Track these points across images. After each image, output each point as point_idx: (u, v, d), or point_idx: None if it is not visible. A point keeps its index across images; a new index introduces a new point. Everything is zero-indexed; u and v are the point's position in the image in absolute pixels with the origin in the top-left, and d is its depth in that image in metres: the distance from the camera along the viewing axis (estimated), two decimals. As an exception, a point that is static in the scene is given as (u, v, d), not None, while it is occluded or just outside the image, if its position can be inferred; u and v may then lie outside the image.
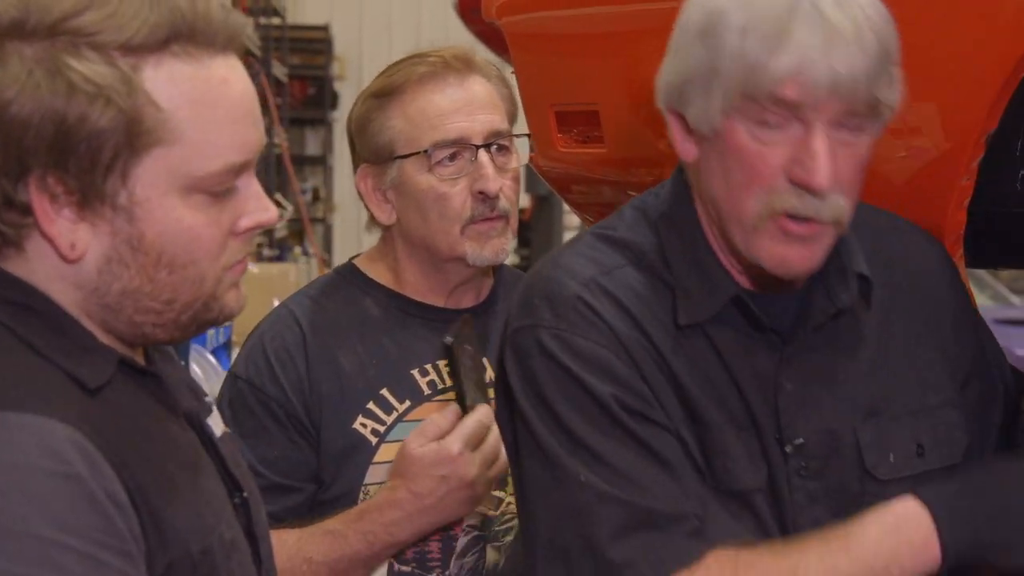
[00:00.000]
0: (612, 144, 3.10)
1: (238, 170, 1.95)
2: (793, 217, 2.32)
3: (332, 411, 3.06)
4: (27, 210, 1.86)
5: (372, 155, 3.22)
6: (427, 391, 2.99)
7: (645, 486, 2.35)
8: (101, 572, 1.76)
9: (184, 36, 1.88)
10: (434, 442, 2.80)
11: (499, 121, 3.08)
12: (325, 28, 16.78)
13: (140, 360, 2.03)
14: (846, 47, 2.26)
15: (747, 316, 2.46)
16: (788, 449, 2.43)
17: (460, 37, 3.95)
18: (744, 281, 2.47)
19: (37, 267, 1.92)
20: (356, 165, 3.29)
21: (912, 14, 2.52)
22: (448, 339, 2.83)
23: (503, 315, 2.78)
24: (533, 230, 12.26)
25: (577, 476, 2.38)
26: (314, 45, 16.33)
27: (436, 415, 2.91)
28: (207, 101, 1.91)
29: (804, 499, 2.44)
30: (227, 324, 2.15)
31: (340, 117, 17.46)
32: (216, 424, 2.17)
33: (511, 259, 12.62)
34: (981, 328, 2.70)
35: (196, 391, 2.18)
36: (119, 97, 1.82)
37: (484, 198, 2.99)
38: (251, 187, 1.98)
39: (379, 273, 3.20)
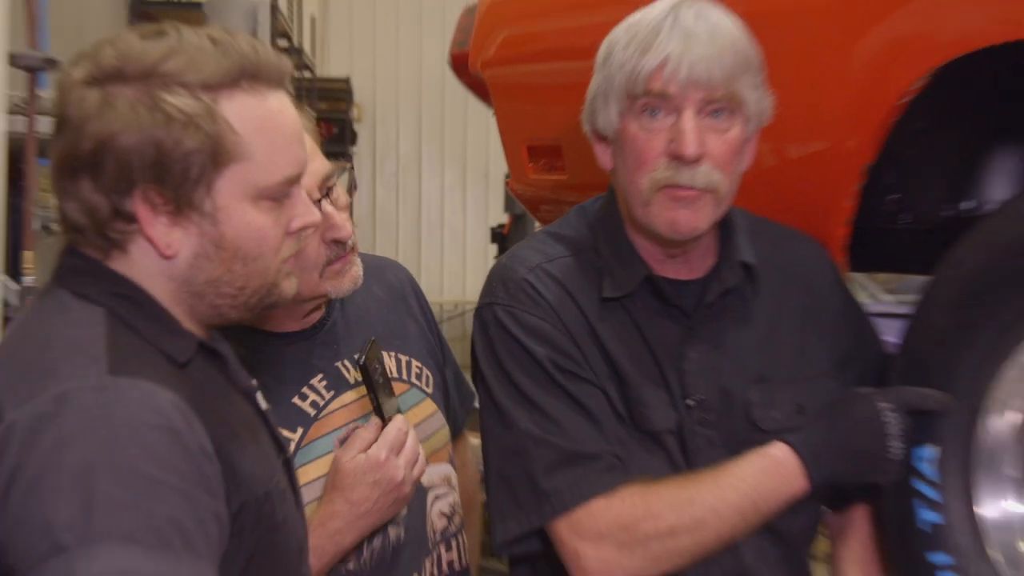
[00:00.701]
0: (571, 172, 3.16)
1: (293, 181, 2.03)
2: (675, 186, 2.43)
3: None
4: (132, 219, 1.92)
5: None
6: (312, 412, 2.80)
7: (572, 432, 2.48)
8: (192, 504, 1.80)
9: (250, 75, 1.96)
10: (362, 453, 2.67)
11: (326, 164, 2.78)
12: (346, 80, 16.67)
13: (210, 343, 2.10)
14: (701, 47, 2.39)
15: (657, 294, 2.57)
16: (690, 403, 2.55)
17: (454, 88, 3.95)
18: (657, 268, 2.57)
19: (138, 265, 1.98)
20: None
21: (809, 78, 2.61)
22: (360, 360, 2.69)
23: (352, 309, 2.89)
24: (510, 241, 12.21)
25: (519, 423, 2.51)
26: (337, 94, 16.19)
27: (360, 429, 2.74)
28: (269, 127, 1.98)
29: (704, 443, 2.56)
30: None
31: (358, 151, 17.39)
32: (262, 401, 2.22)
33: (491, 262, 12.51)
34: (862, 319, 2.77)
35: (244, 373, 2.22)
36: (205, 124, 1.90)
37: (338, 242, 2.76)
38: (300, 195, 2.07)
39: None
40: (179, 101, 1.89)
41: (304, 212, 2.07)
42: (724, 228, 2.60)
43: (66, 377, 1.82)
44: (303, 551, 2.16)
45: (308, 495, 2.67)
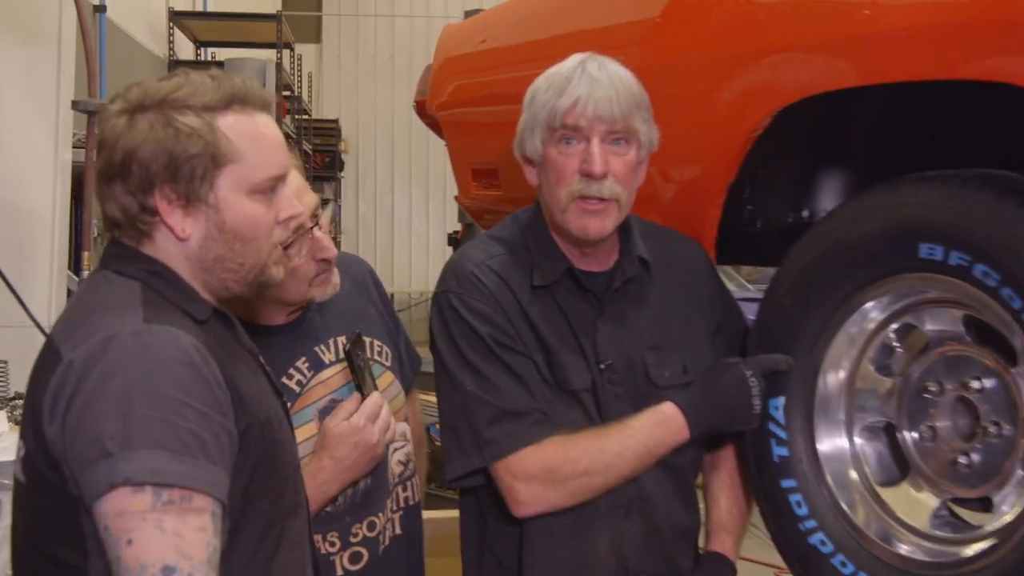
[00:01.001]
0: (506, 189, 3.16)
1: (279, 179, 2.09)
2: (585, 198, 2.47)
3: None
4: (154, 212, 2.00)
5: None
6: (297, 389, 2.77)
7: (507, 394, 2.52)
8: (208, 421, 1.86)
9: (240, 100, 2.04)
10: (345, 421, 2.67)
11: (315, 198, 2.75)
12: (336, 121, 16.56)
13: (224, 310, 2.15)
14: (603, 90, 2.45)
15: (575, 282, 2.60)
16: (602, 367, 2.58)
17: (419, 127, 3.94)
18: (575, 262, 2.60)
19: (162, 249, 2.03)
20: None
21: (688, 118, 2.61)
22: (346, 347, 2.68)
23: (325, 302, 2.84)
24: (463, 244, 12.17)
25: (465, 386, 2.56)
26: (329, 132, 16.07)
27: (345, 401, 2.73)
28: (256, 136, 2.04)
29: (613, 398, 2.58)
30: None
31: (345, 175, 17.30)
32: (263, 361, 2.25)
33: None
34: (729, 301, 2.79)
35: (248, 340, 2.25)
36: (206, 134, 1.98)
37: (325, 260, 2.73)
38: (286, 192, 2.13)
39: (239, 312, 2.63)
40: (185, 119, 1.97)
41: (289, 205, 2.12)
42: (624, 231, 2.62)
43: (110, 326, 1.89)
44: (297, 469, 2.19)
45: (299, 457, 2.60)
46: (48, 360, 1.92)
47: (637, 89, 2.50)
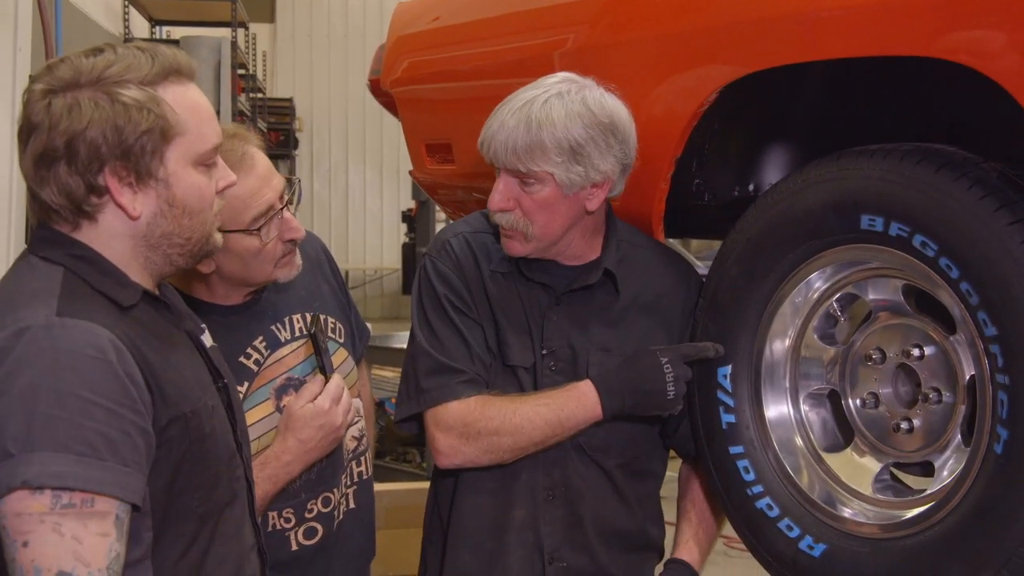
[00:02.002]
0: (459, 163, 3.15)
1: (217, 149, 2.04)
2: (503, 226, 2.58)
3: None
4: (103, 192, 1.91)
5: None
6: (255, 368, 2.73)
7: (450, 351, 2.62)
8: (117, 420, 1.79)
9: (174, 72, 1.96)
10: (310, 403, 2.66)
11: (282, 180, 2.69)
12: (290, 100, 16.47)
13: (156, 293, 2.06)
14: (503, 135, 2.49)
15: (524, 273, 2.66)
16: (544, 351, 2.64)
17: (372, 105, 3.91)
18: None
19: (105, 230, 1.95)
20: None
21: (630, 92, 2.58)
22: (311, 330, 2.68)
23: (286, 284, 2.83)
24: (418, 222, 12.15)
25: (417, 337, 2.67)
26: (283, 110, 15.96)
27: (308, 384, 2.72)
28: (195, 108, 1.99)
29: (549, 381, 2.64)
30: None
31: (299, 154, 17.20)
32: (207, 339, 2.18)
33: (403, 239, 12.16)
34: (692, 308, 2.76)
35: (194, 318, 2.18)
36: (154, 108, 1.90)
37: (292, 241, 2.70)
38: (221, 163, 2.07)
39: (198, 293, 2.75)
40: (130, 93, 1.89)
41: (225, 175, 2.08)
42: (606, 240, 2.68)
43: (24, 317, 1.81)
44: (234, 456, 2.11)
45: (254, 433, 2.64)
46: None
47: (556, 132, 2.47)
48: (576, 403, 2.56)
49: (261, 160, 2.64)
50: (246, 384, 2.71)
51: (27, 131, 1.92)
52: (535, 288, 2.65)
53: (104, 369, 1.80)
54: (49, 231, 1.98)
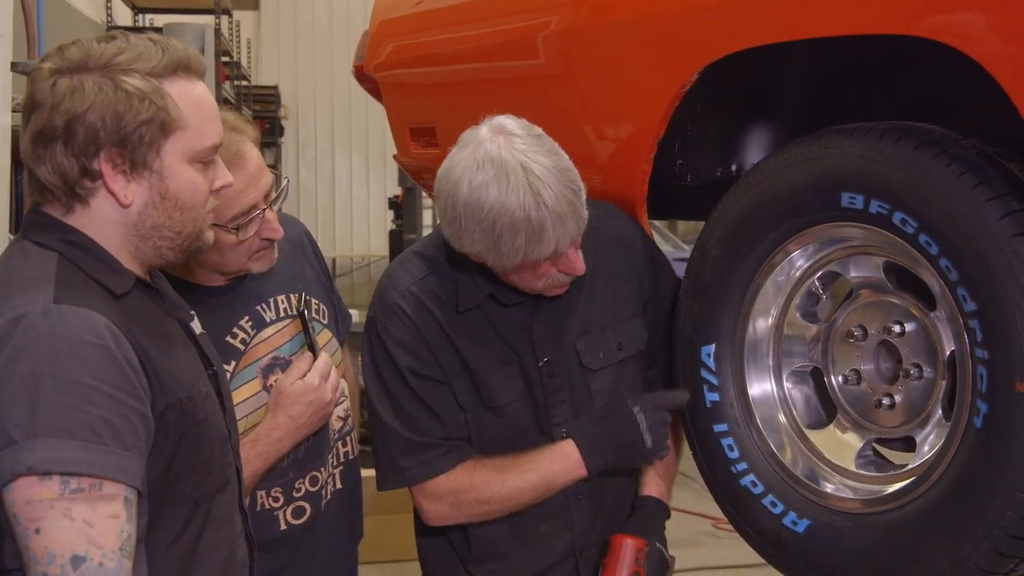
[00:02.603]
0: (443, 148, 3.12)
1: (216, 148, 2.04)
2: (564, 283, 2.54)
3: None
4: (96, 176, 1.91)
5: None
6: (241, 348, 2.75)
7: (419, 424, 2.60)
8: (118, 405, 1.81)
9: (183, 67, 1.97)
10: (299, 380, 2.70)
11: (270, 178, 2.70)
12: (275, 87, 16.43)
13: (148, 280, 2.06)
14: (571, 224, 2.38)
15: (500, 300, 2.60)
16: (540, 364, 2.62)
17: (358, 92, 3.91)
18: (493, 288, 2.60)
19: (98, 216, 1.95)
20: None
21: (619, 79, 2.58)
22: (300, 309, 2.75)
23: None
24: (404, 208, 12.13)
25: (382, 415, 2.63)
26: (268, 98, 15.90)
27: (297, 362, 2.76)
28: (199, 105, 1.99)
29: (553, 388, 2.64)
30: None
31: (285, 141, 17.16)
32: (196, 326, 2.19)
33: (390, 226, 12.10)
34: (663, 273, 2.78)
35: (184, 305, 2.19)
36: (156, 99, 1.91)
37: (269, 240, 2.71)
38: (219, 162, 2.07)
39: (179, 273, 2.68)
40: (135, 82, 1.90)
41: (222, 175, 2.07)
42: None
43: (20, 304, 1.82)
44: (225, 442, 2.12)
45: (241, 412, 2.65)
46: None
47: (573, 177, 2.40)
48: (561, 464, 2.59)
49: (252, 158, 2.65)
50: (233, 363, 2.73)
51: (30, 108, 1.93)
52: (510, 311, 2.61)
53: (103, 355, 1.81)
54: (42, 215, 1.98)
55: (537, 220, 2.33)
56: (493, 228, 2.36)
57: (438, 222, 2.65)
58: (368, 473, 2.91)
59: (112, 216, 1.96)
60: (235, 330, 2.77)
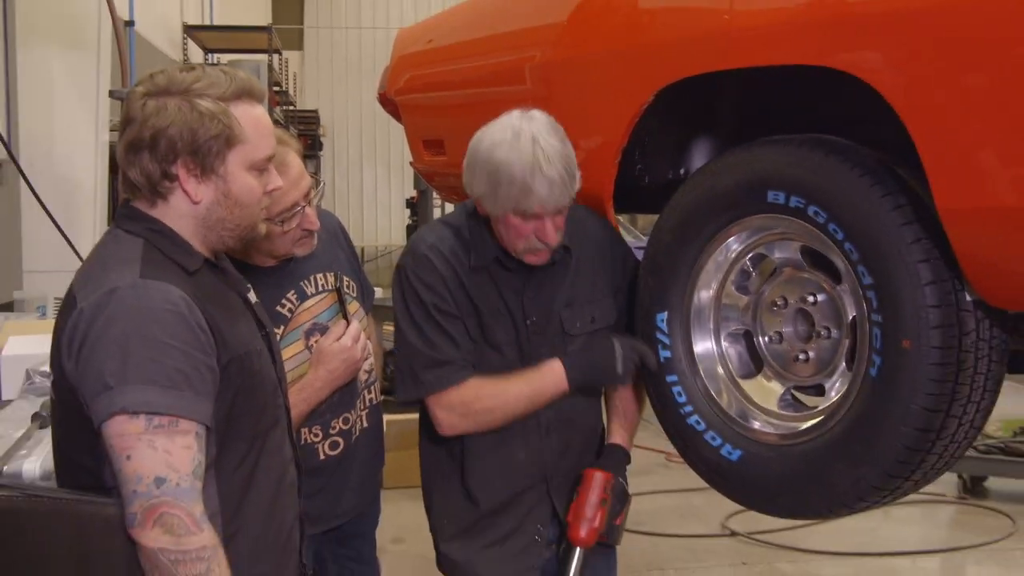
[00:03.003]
0: (450, 156, 3.14)
1: (270, 159, 2.05)
2: (534, 251, 2.52)
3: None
4: (174, 178, 1.94)
5: None
6: (288, 315, 2.81)
7: (440, 347, 2.57)
8: (191, 359, 1.83)
9: (246, 93, 1.98)
10: (336, 341, 2.77)
11: (309, 181, 2.75)
12: (315, 111, 16.43)
13: (214, 261, 2.08)
14: (558, 191, 2.41)
15: (503, 265, 2.60)
16: (528, 322, 2.61)
17: (382, 115, 3.91)
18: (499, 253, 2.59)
19: (175, 210, 1.98)
20: None
21: (585, 97, 2.57)
22: (337, 285, 2.85)
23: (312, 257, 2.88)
24: (419, 207, 12.08)
25: (409, 339, 2.60)
26: (310, 119, 15.89)
27: (333, 327, 2.82)
28: (257, 123, 2.00)
29: (536, 345, 2.62)
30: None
31: (323, 154, 17.14)
32: (252, 297, 2.19)
33: (407, 221, 12.07)
34: (629, 257, 2.76)
35: (242, 281, 2.20)
36: (223, 118, 1.93)
37: (308, 231, 2.76)
38: (272, 169, 2.08)
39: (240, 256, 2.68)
40: (207, 104, 1.92)
41: (274, 180, 2.08)
42: None
43: (114, 280, 1.85)
44: (276, 388, 2.12)
45: (288, 366, 2.64)
46: (68, 305, 1.89)
47: (572, 162, 2.45)
48: (549, 379, 2.57)
49: (295, 165, 2.67)
50: (282, 327, 2.76)
51: (124, 123, 1.95)
52: (510, 275, 2.60)
53: (179, 320, 1.83)
54: (131, 209, 2.00)
55: (531, 179, 2.38)
56: (496, 177, 2.41)
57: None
58: (391, 418, 2.93)
59: (186, 210, 1.98)
60: (283, 301, 2.80)
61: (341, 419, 2.90)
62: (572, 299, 2.65)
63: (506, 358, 2.62)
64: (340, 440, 2.90)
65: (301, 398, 2.70)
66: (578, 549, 2.63)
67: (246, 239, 2.11)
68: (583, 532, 2.62)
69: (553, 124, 2.46)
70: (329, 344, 2.76)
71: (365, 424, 2.99)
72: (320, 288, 2.89)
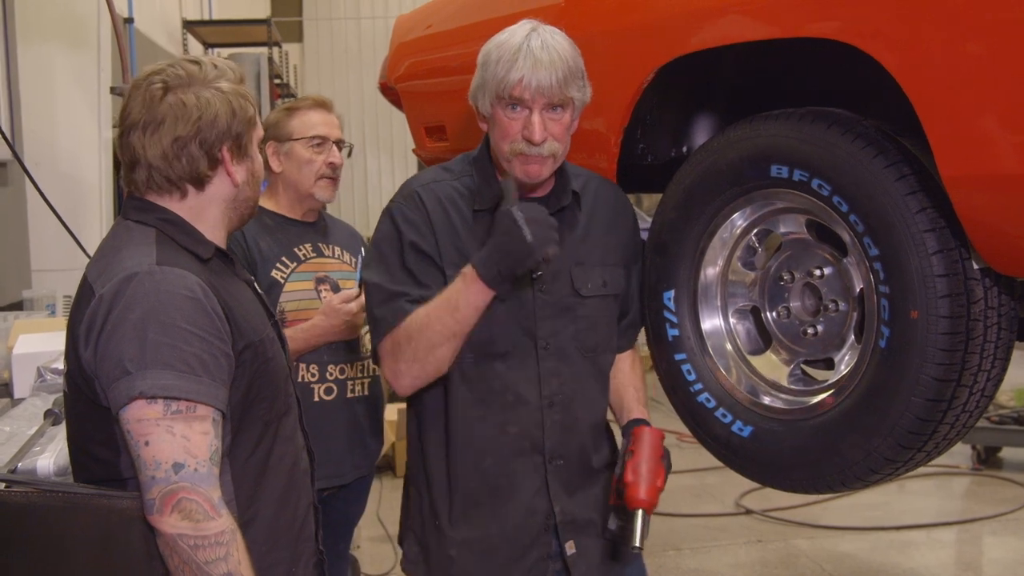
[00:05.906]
0: (451, 142, 3.14)
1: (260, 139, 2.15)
2: (526, 156, 2.35)
3: (261, 268, 3.13)
4: (218, 164, 2.01)
5: (276, 136, 3.26)
6: (303, 258, 3.21)
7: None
8: (208, 345, 1.85)
9: (242, 80, 2.07)
10: (344, 304, 3.09)
11: (341, 132, 3.34)
12: (317, 103, 16.46)
13: (224, 249, 2.11)
14: (544, 70, 2.29)
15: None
16: (533, 277, 2.42)
17: (384, 105, 3.93)
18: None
19: (209, 195, 2.04)
20: (264, 143, 3.11)
21: (592, 80, 2.56)
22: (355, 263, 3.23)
23: (331, 224, 3.44)
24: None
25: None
26: (311, 111, 15.97)
27: (346, 291, 3.17)
28: (255, 105, 2.09)
29: (542, 304, 2.43)
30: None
31: (325, 146, 17.27)
32: (257, 289, 2.22)
33: None
34: (638, 235, 2.67)
35: (246, 272, 2.23)
36: (250, 99, 2.05)
37: (333, 167, 3.26)
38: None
39: (267, 203, 3.28)
40: (232, 87, 2.00)
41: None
42: (560, 169, 2.48)
43: (130, 266, 1.86)
44: (287, 376, 2.14)
45: (293, 298, 3.16)
46: (84, 295, 1.90)
47: (573, 60, 2.34)
48: (460, 283, 2.30)
49: (333, 112, 3.38)
50: (295, 264, 3.19)
51: (156, 123, 1.96)
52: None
53: (196, 306, 1.85)
54: (140, 201, 2.03)
55: (517, 55, 2.31)
56: (486, 58, 2.38)
57: None
58: (395, 407, 3.00)
59: (224, 194, 2.05)
60: (301, 246, 3.23)
61: (337, 368, 3.21)
62: (582, 259, 2.50)
63: (495, 316, 2.39)
64: (335, 387, 3.21)
65: (301, 336, 3.06)
66: (640, 511, 2.37)
67: (249, 219, 2.17)
68: (643, 492, 2.38)
69: (565, 35, 2.39)
70: (339, 303, 3.08)
71: (365, 392, 3.29)
72: (336, 256, 3.31)
